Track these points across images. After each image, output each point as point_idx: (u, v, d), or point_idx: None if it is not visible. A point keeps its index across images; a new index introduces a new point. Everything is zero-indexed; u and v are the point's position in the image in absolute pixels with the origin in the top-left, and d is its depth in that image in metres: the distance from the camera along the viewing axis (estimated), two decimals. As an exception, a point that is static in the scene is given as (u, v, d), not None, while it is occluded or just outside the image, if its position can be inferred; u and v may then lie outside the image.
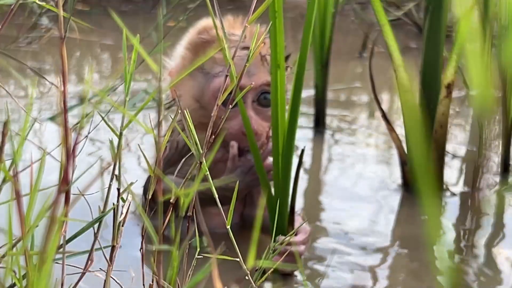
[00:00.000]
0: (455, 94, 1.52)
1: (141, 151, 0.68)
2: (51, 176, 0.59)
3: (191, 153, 0.72)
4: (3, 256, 0.62)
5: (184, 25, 2.32)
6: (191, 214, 0.68)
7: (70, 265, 0.69)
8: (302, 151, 1.02)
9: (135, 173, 1.33)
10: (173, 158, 1.10)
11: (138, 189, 1.14)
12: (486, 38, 1.25)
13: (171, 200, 0.64)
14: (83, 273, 0.67)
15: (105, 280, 0.67)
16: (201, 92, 1.07)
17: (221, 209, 0.72)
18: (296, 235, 1.03)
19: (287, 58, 1.08)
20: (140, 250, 0.69)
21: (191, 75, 1.08)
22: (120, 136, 0.64)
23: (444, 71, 1.27)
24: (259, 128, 1.05)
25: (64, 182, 0.52)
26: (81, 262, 0.69)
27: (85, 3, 2.62)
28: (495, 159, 1.44)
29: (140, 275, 0.72)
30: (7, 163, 0.60)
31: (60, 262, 0.64)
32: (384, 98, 1.92)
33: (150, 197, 0.67)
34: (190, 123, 0.67)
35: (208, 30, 1.08)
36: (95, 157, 1.42)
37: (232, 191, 1.03)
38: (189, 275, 0.71)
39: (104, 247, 0.67)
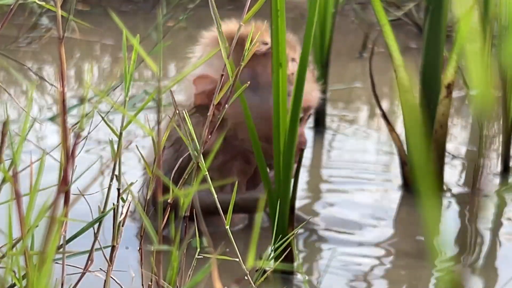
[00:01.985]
0: (455, 94, 1.52)
1: (140, 154, 0.68)
2: (51, 176, 0.59)
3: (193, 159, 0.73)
4: (3, 256, 0.61)
5: (184, 25, 2.32)
6: (188, 214, 0.68)
7: (70, 265, 0.69)
8: (302, 150, 1.02)
9: (135, 173, 1.33)
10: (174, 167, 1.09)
11: (137, 187, 1.13)
12: (486, 38, 1.25)
13: (168, 200, 0.64)
14: (83, 273, 0.67)
15: (105, 280, 0.67)
16: (265, 113, 1.06)
17: (222, 214, 0.72)
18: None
19: None
20: (139, 250, 0.69)
21: (243, 92, 1.07)
22: (120, 136, 0.64)
23: (444, 71, 1.27)
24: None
25: (64, 182, 0.52)
26: (81, 262, 0.69)
27: (85, 3, 2.62)
28: (495, 159, 1.44)
29: (140, 275, 0.72)
30: (7, 163, 0.60)
31: (60, 262, 0.64)
32: (384, 98, 1.91)
33: (148, 197, 0.67)
34: (190, 126, 0.67)
35: (260, 40, 1.06)
36: (95, 157, 1.42)
37: (255, 202, 1.07)
38: (189, 275, 0.71)
39: (104, 247, 0.67)
